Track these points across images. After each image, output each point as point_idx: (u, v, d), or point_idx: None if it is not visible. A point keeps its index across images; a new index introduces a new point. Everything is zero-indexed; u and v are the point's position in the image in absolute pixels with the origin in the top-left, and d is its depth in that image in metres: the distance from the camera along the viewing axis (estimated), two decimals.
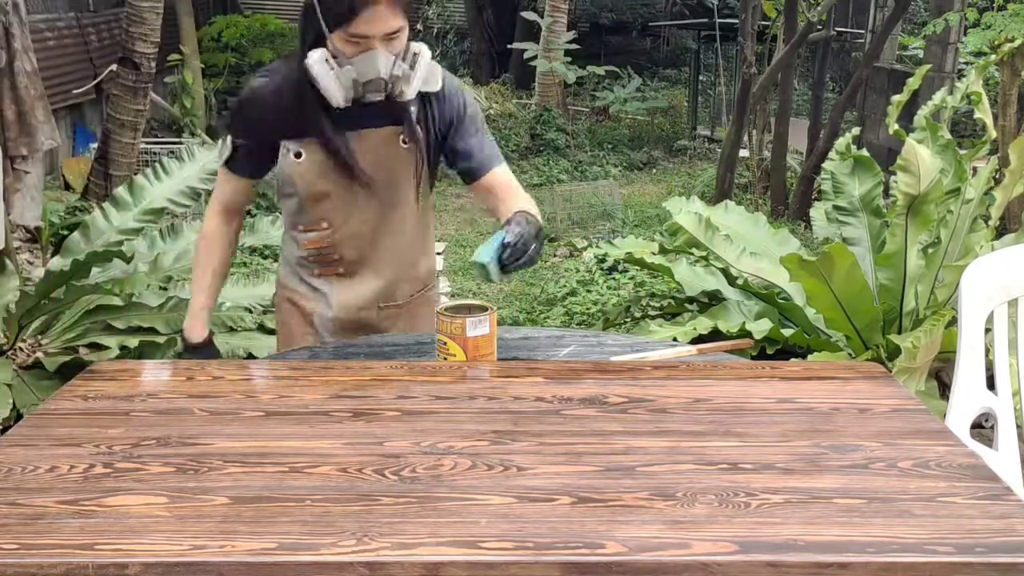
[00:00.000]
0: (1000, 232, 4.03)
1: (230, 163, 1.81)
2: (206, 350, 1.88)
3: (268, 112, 1.74)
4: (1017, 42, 4.22)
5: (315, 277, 1.90)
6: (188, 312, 1.89)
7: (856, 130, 3.78)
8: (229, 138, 1.79)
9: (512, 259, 1.57)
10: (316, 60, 1.63)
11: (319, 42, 1.64)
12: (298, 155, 1.75)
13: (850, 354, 3.19)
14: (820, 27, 6.12)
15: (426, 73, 1.71)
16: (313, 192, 1.79)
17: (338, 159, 1.74)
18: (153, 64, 5.02)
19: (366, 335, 1.90)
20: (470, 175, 1.85)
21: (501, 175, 1.85)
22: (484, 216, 6.91)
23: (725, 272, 3.42)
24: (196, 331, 1.87)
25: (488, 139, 1.88)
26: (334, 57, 1.63)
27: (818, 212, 3.64)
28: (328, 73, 1.63)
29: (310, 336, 1.94)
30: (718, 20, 9.24)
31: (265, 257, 5.23)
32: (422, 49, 1.70)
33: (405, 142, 1.78)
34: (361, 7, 1.58)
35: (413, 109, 1.77)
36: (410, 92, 1.70)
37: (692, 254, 3.45)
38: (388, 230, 1.85)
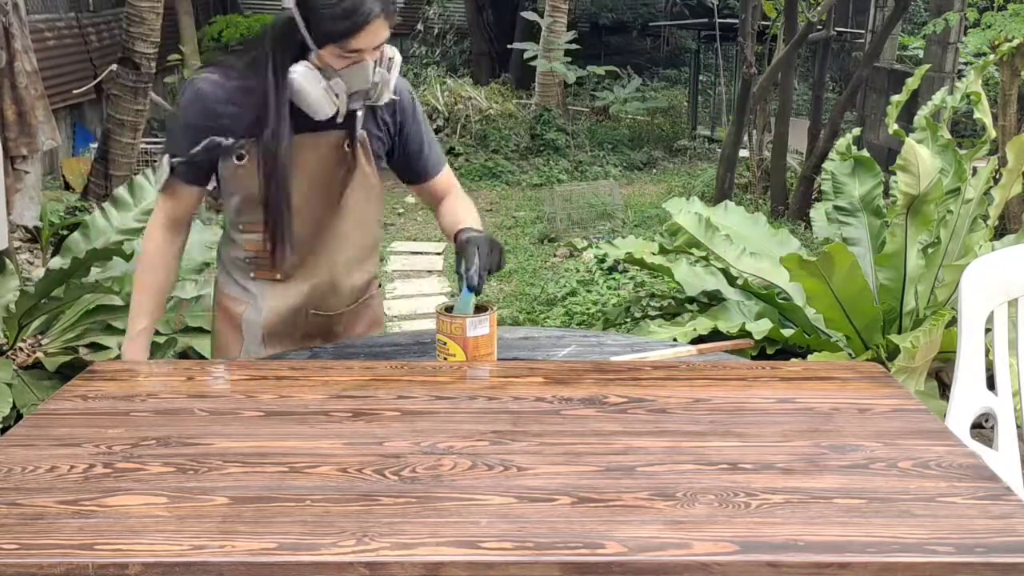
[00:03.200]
0: (1001, 232, 4.04)
1: (175, 172, 1.72)
2: None
3: (222, 110, 1.67)
4: (1016, 42, 4.22)
5: (249, 280, 1.83)
6: (127, 335, 1.79)
7: (857, 130, 3.79)
8: (166, 157, 1.72)
9: (482, 284, 1.61)
10: (301, 74, 1.60)
11: (301, 54, 1.61)
12: (240, 157, 1.69)
13: (850, 354, 3.19)
14: (820, 27, 6.13)
15: (395, 77, 1.71)
16: (254, 194, 1.71)
17: (275, 164, 1.67)
18: (153, 64, 5.02)
19: (293, 344, 1.85)
20: (415, 179, 1.89)
21: (445, 180, 1.91)
22: (484, 215, 6.91)
23: (725, 272, 3.42)
24: (135, 354, 1.78)
25: (434, 141, 1.89)
26: (319, 70, 1.61)
27: (818, 212, 3.64)
28: (316, 87, 1.61)
29: (237, 344, 1.86)
30: (718, 20, 9.25)
31: None
32: (395, 53, 1.69)
33: (349, 146, 1.74)
34: (363, 25, 1.56)
35: (360, 114, 1.72)
36: (386, 96, 1.70)
37: (692, 254, 3.46)
38: (326, 236, 1.80)
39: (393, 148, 1.84)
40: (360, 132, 1.74)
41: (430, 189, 1.90)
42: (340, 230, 1.81)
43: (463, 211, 1.85)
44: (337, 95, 1.63)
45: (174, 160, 1.71)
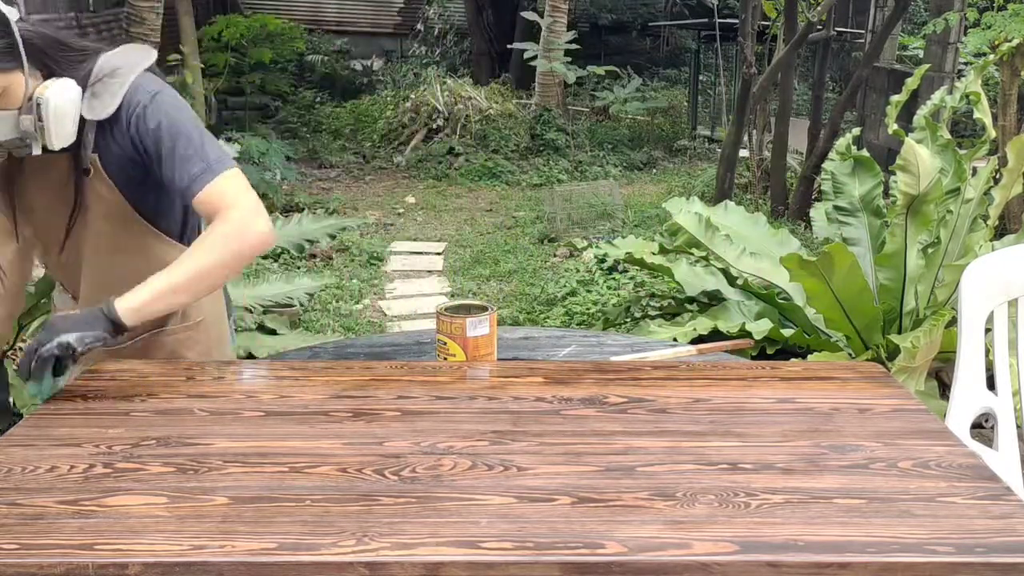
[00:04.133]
0: (1001, 232, 4.04)
1: None
2: None
3: None
4: (1016, 42, 4.22)
5: (71, 299, 1.77)
6: None
7: (856, 130, 3.79)
8: None
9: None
10: None
11: None
12: None
13: (850, 354, 3.19)
14: (820, 27, 6.13)
15: (60, 120, 1.51)
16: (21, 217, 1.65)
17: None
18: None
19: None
20: (180, 199, 1.65)
21: (206, 200, 1.54)
22: (484, 215, 6.91)
23: (725, 272, 3.43)
24: None
25: (189, 158, 1.55)
26: None
27: (818, 212, 3.65)
28: None
29: None
30: (718, 20, 9.25)
31: (265, 257, 5.23)
32: (44, 97, 1.49)
33: (88, 171, 1.60)
34: None
35: (90, 135, 1.58)
36: (54, 142, 1.51)
37: (692, 254, 3.46)
38: (75, 262, 1.70)
39: (145, 169, 1.61)
40: (90, 156, 1.59)
41: (197, 210, 1.59)
42: (91, 257, 1.68)
43: (182, 258, 1.53)
44: None
45: None
